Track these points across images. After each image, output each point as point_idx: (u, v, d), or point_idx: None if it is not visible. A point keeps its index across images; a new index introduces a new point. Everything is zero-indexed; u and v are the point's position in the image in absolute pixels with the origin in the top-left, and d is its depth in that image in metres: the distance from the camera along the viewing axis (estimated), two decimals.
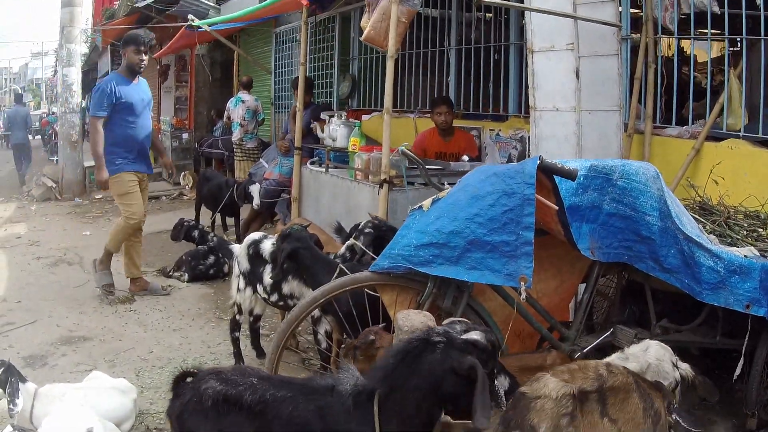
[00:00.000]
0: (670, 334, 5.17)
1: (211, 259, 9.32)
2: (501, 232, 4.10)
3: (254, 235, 6.54)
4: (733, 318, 5.19)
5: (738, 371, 5.09)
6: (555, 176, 4.34)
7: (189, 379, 3.61)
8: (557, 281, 5.02)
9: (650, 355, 3.95)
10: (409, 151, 5.84)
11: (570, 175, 4.26)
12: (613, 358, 4.15)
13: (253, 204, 10.21)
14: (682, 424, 3.59)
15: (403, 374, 3.27)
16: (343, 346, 4.98)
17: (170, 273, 9.43)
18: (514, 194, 4.12)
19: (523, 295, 4.07)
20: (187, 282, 9.25)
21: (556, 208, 4.25)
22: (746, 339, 4.97)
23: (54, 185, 14.62)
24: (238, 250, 6.61)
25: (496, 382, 3.58)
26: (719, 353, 5.49)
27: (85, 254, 10.45)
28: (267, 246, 6.25)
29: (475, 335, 3.35)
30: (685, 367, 4.09)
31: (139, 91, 8.54)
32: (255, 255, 6.34)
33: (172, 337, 7.47)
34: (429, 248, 4.20)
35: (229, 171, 13.65)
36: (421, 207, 4.46)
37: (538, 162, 4.16)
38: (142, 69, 8.47)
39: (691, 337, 5.34)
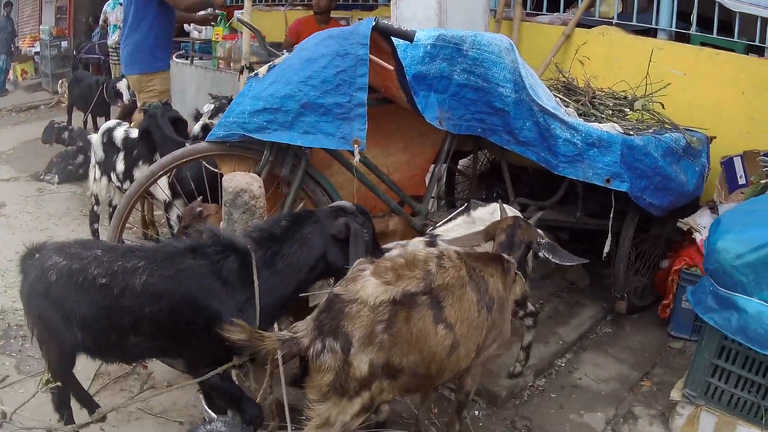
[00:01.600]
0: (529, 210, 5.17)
1: (80, 158, 9.06)
2: (334, 94, 3.98)
3: (108, 123, 6.40)
4: (597, 197, 5.23)
5: (606, 248, 5.14)
6: (394, 40, 4.24)
7: (36, 257, 3.43)
8: (407, 155, 4.96)
9: (497, 217, 3.87)
10: (245, 20, 5.70)
11: (407, 36, 4.16)
12: (459, 222, 4.13)
13: (123, 100, 9.84)
14: (553, 260, 3.54)
15: (283, 240, 3.31)
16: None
17: (42, 177, 9.16)
18: (347, 55, 3.99)
19: (357, 158, 3.98)
20: (57, 183, 9.01)
21: (391, 68, 4.15)
22: (611, 215, 5.00)
23: None
24: (95, 139, 6.41)
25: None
26: (589, 238, 5.52)
27: None
28: (120, 133, 6.11)
29: (339, 203, 3.47)
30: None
31: None
32: (108, 143, 6.18)
33: (38, 236, 7.21)
34: (263, 114, 4.06)
35: (107, 75, 13.19)
36: (257, 74, 4.30)
37: (374, 23, 4.03)
38: None
39: (552, 215, 5.36)
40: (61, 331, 3.27)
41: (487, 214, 4.02)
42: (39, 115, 13.33)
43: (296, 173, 4.29)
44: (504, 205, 3.95)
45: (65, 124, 10.24)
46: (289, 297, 3.38)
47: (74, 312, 3.19)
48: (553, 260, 3.52)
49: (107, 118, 10.80)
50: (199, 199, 4.27)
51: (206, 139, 4.32)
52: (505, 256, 3.45)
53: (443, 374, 3.23)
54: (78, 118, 11.25)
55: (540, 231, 3.71)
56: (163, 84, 7.21)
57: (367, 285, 2.98)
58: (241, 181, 3.72)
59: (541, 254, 3.56)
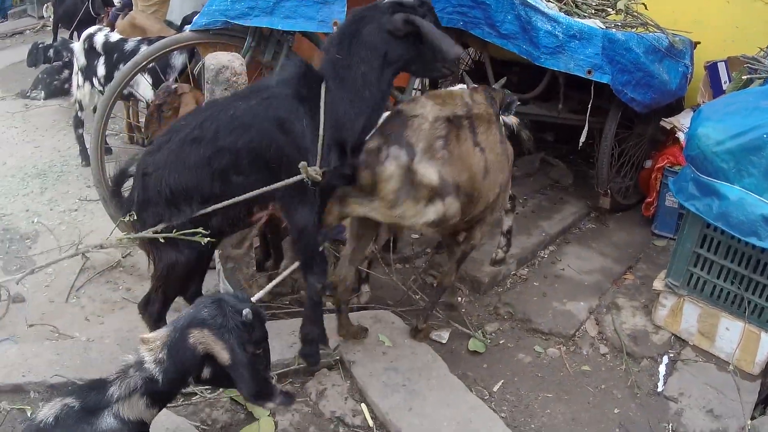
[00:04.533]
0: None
1: (66, 73, 8.98)
2: None
3: (90, 29, 6.38)
4: (579, 95, 5.26)
5: (582, 138, 5.16)
6: None
7: None
8: None
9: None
10: None
11: None
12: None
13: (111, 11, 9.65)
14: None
15: (346, 54, 3.26)
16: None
17: (28, 94, 9.12)
18: None
19: None
20: (44, 99, 8.99)
21: None
22: (589, 106, 5.02)
23: None
24: (77, 46, 6.40)
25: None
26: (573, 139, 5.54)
27: None
28: (99, 38, 6.12)
29: None
30: (512, 119, 4.12)
31: None
32: (90, 49, 6.19)
33: (25, 148, 7.35)
34: (244, 1, 4.10)
35: None
36: None
37: None
38: None
39: (535, 110, 5.40)
40: None
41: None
42: (24, 39, 13.17)
43: (278, 59, 4.36)
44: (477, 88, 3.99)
45: (49, 43, 10.14)
46: (368, 114, 3.31)
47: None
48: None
49: None
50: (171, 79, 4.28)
51: (189, 28, 4.34)
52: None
53: (479, 202, 3.52)
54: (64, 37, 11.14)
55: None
56: None
57: (426, 103, 3.39)
58: (222, 58, 3.74)
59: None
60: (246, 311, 2.56)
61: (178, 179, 3.17)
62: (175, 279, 3.41)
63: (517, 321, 4.42)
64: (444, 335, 4.21)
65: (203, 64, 3.83)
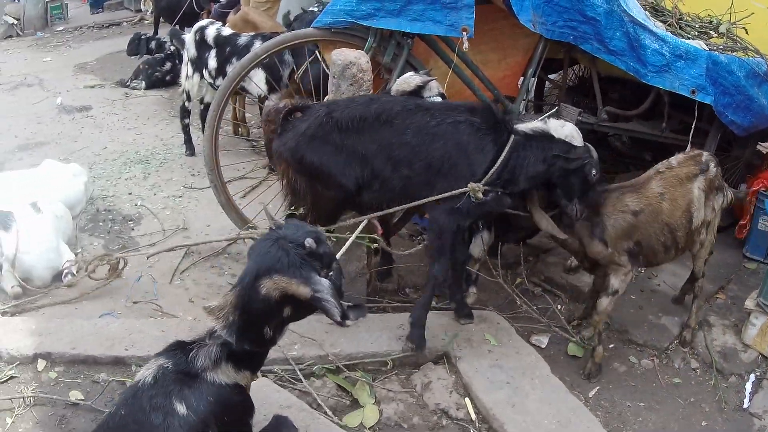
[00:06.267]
0: (618, 120, 5.28)
1: (168, 65, 9.26)
2: None
3: (202, 22, 6.59)
4: (681, 115, 5.30)
5: None
6: None
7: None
8: (499, 55, 5.08)
9: (566, 132, 4.02)
10: None
11: None
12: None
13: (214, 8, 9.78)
14: None
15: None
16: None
17: (128, 83, 9.37)
18: None
19: (465, 44, 4.16)
20: (144, 89, 9.22)
21: None
22: (693, 126, 5.06)
23: (16, 22, 14.25)
24: (188, 38, 6.62)
25: None
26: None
27: (45, 76, 10.26)
28: (211, 31, 6.32)
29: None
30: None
31: None
32: (201, 41, 6.39)
33: (126, 135, 7.58)
34: (371, 2, 4.27)
35: None
36: None
37: None
38: None
39: (638, 126, 5.46)
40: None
41: (558, 125, 4.08)
42: (121, 31, 13.47)
43: (397, 62, 4.48)
44: (573, 126, 4.09)
45: (150, 34, 10.39)
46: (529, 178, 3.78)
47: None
48: None
49: None
50: (282, 91, 4.45)
51: (312, 26, 4.50)
52: None
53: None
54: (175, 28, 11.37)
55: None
56: None
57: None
58: (350, 55, 3.90)
59: None
60: (308, 241, 2.57)
61: (364, 146, 3.71)
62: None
63: (613, 331, 4.50)
64: (543, 340, 4.33)
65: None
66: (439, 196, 3.67)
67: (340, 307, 2.52)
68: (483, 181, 3.63)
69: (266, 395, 3.27)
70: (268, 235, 2.70)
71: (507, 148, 3.65)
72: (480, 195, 3.62)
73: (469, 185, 3.62)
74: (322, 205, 3.89)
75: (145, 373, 2.56)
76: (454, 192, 3.65)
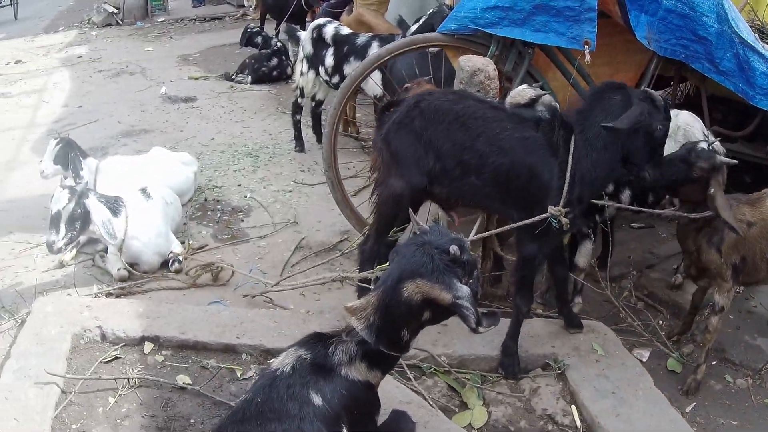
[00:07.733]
0: (723, 141, 5.29)
1: (274, 61, 9.45)
2: None
3: (318, 20, 6.72)
4: None
5: None
6: None
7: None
8: (610, 69, 5.11)
9: (680, 120, 4.07)
10: None
11: None
12: None
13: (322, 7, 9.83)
14: None
15: (595, 113, 3.63)
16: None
17: (233, 77, 9.59)
18: None
19: (587, 58, 4.24)
20: (250, 84, 9.41)
21: None
22: None
23: (115, 10, 14.68)
24: (304, 35, 6.78)
25: None
26: None
27: (147, 65, 10.62)
28: (329, 30, 6.44)
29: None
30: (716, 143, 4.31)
31: None
32: (318, 38, 6.51)
33: (233, 127, 7.77)
34: (495, 11, 4.34)
35: None
36: None
37: None
38: None
39: (743, 148, 5.46)
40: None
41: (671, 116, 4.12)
42: (224, 25, 13.82)
43: (518, 71, 4.55)
44: (689, 113, 4.16)
45: (258, 28, 10.62)
46: (603, 176, 3.72)
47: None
48: None
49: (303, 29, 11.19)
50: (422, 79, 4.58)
51: (438, 30, 4.62)
52: None
53: None
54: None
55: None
56: None
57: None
58: (477, 62, 4.01)
59: None
60: (453, 248, 2.59)
61: (440, 141, 3.71)
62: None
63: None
64: (645, 354, 4.36)
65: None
66: (519, 224, 3.64)
67: (477, 314, 2.57)
68: (561, 203, 3.55)
69: (387, 390, 3.35)
70: (412, 239, 2.77)
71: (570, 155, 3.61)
72: (560, 215, 3.51)
73: (549, 209, 3.53)
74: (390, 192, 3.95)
75: (284, 362, 2.67)
76: (534, 219, 3.58)
